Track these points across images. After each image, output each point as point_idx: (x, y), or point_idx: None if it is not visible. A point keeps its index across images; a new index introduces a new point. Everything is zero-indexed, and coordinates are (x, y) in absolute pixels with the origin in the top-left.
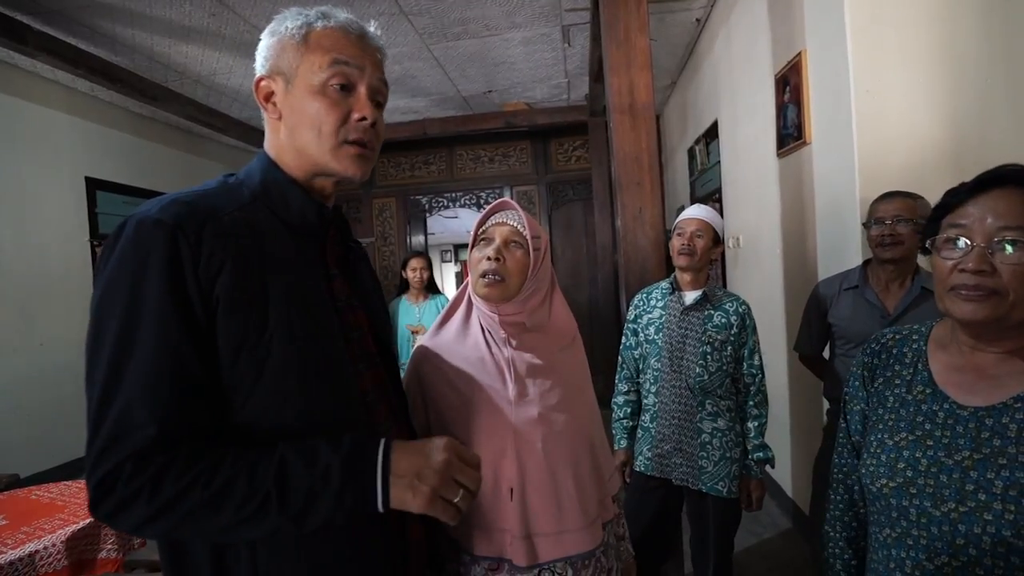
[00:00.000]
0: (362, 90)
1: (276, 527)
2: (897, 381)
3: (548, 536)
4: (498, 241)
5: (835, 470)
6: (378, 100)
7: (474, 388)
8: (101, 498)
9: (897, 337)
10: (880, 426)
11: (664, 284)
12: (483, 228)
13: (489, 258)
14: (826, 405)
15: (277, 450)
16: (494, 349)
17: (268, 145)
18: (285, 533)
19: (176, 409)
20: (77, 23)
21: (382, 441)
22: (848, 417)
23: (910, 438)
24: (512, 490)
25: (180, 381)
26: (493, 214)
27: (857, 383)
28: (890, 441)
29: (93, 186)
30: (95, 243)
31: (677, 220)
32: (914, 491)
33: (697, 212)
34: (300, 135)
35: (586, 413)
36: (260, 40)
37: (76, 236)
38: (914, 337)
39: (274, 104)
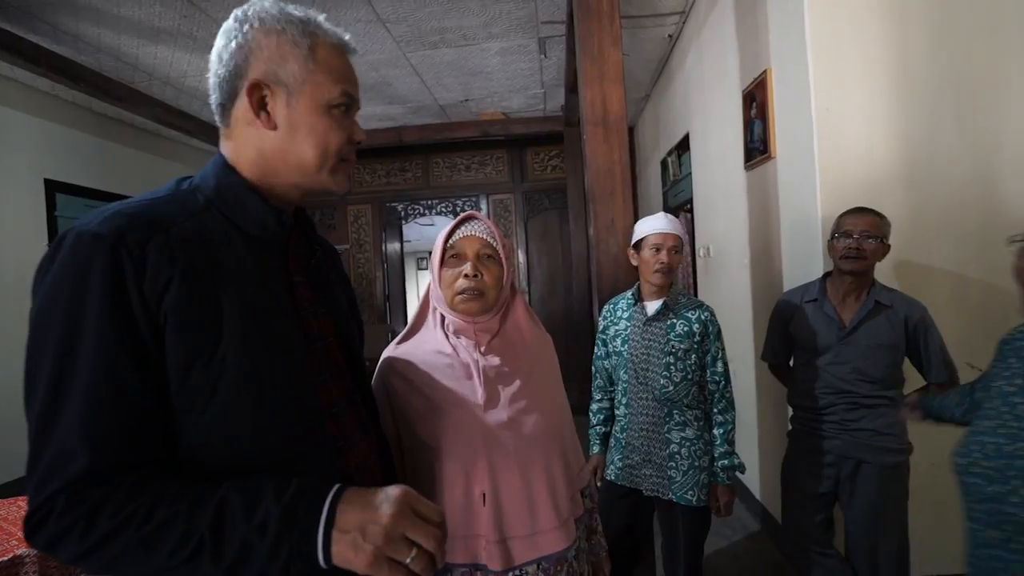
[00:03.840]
0: (355, 111)
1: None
2: (1006, 373)
3: (522, 538)
4: (471, 256)
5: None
6: None
7: (443, 394)
8: (34, 530)
9: None
10: (981, 413)
11: (629, 295)
12: (451, 242)
13: (466, 275)
14: (791, 411)
15: (220, 490)
16: (463, 355)
17: (231, 149)
18: None
19: (115, 438)
20: (39, 20)
21: (333, 489)
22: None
23: (989, 424)
24: (485, 495)
25: (120, 407)
26: (460, 227)
27: (982, 382)
28: (979, 426)
29: (53, 188)
30: None
31: (647, 233)
32: (977, 471)
33: (669, 226)
34: (301, 151)
35: (556, 413)
36: (240, 31)
37: (34, 240)
38: None
39: (268, 113)
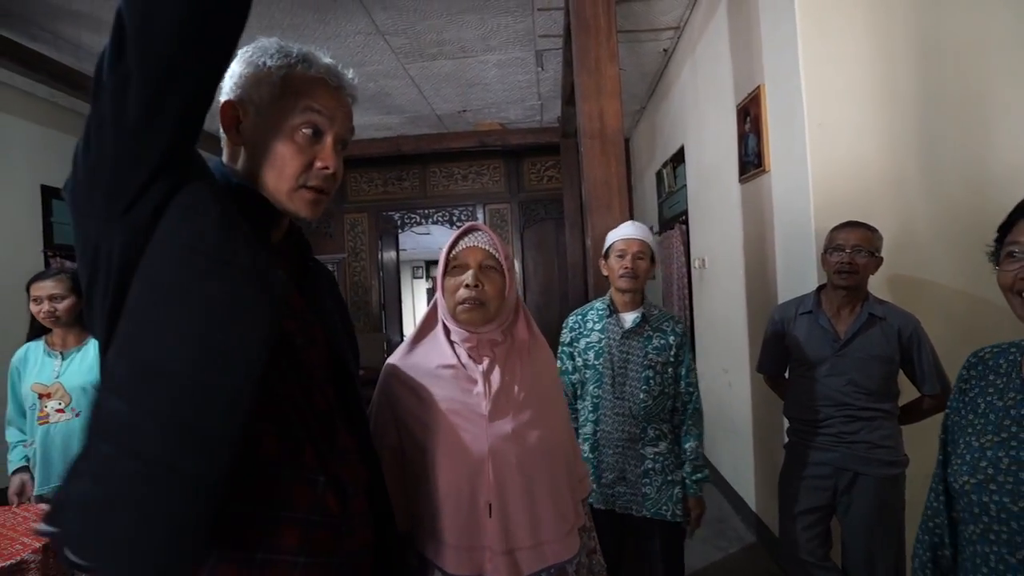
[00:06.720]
0: (329, 139)
1: None
2: (991, 390)
3: (528, 549)
4: (474, 266)
5: (928, 511)
6: (342, 146)
7: (447, 404)
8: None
9: (995, 351)
10: (969, 430)
11: (599, 305)
12: (454, 253)
13: (467, 285)
14: (786, 424)
15: None
16: (468, 366)
17: (226, 159)
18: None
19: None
20: (39, 28)
21: None
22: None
23: (995, 439)
24: (491, 506)
25: None
26: (463, 238)
27: (956, 401)
28: (976, 443)
29: (49, 194)
30: (49, 253)
31: (613, 240)
32: (994, 487)
33: (636, 232)
34: (260, 170)
35: (559, 424)
36: (235, 64)
37: (29, 246)
38: (1012, 350)
39: (237, 131)
